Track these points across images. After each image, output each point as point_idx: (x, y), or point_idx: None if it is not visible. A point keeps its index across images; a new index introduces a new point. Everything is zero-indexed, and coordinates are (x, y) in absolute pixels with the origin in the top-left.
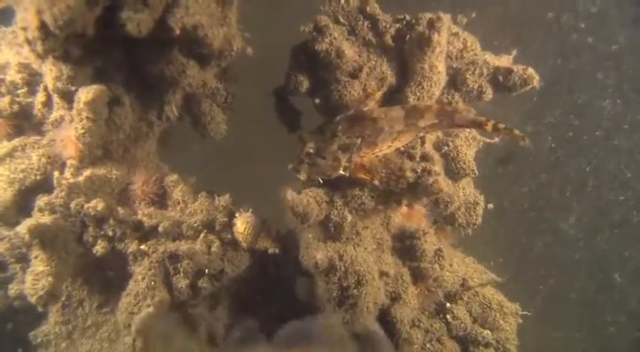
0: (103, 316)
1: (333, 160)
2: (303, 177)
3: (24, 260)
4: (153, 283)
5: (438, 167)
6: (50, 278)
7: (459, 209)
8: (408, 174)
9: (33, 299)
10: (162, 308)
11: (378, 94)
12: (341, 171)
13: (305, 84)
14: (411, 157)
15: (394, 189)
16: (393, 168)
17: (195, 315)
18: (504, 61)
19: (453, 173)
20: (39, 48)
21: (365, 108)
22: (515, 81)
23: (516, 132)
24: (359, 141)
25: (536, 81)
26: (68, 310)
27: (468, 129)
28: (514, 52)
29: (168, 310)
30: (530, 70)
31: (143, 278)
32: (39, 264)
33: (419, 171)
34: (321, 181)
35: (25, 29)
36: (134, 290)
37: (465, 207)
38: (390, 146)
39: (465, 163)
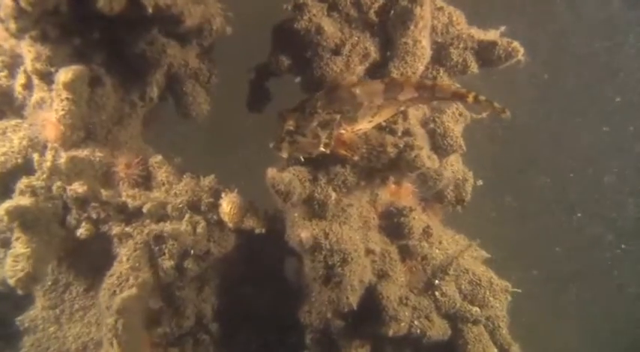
0: (90, 300)
1: (313, 137)
2: (284, 154)
3: (9, 244)
4: (137, 264)
5: (420, 141)
6: (30, 261)
7: (448, 186)
8: (390, 149)
9: (11, 282)
10: (145, 289)
11: (360, 68)
12: (321, 148)
13: (287, 62)
14: (393, 132)
15: (376, 164)
16: (374, 144)
17: (181, 297)
18: (491, 35)
19: (441, 149)
20: (12, 26)
21: (343, 82)
22: (500, 54)
23: (496, 104)
24: (338, 117)
25: (520, 54)
26: (55, 294)
27: (454, 105)
28: (502, 28)
29: (151, 291)
30: (515, 43)
31: (127, 259)
32: (19, 246)
33: (401, 146)
34: (302, 159)
35: None
36: (117, 271)
37: (453, 183)
38: (371, 121)
39: (452, 139)
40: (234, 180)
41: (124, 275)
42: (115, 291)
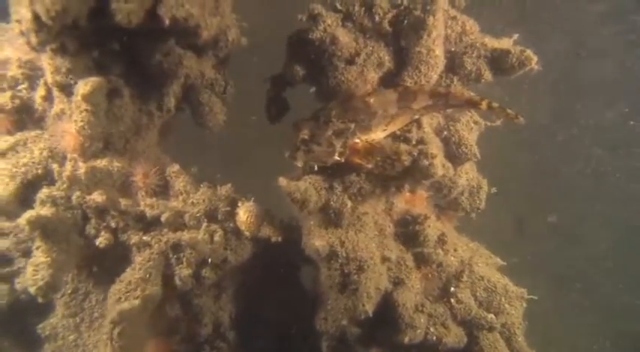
0: None
1: (328, 146)
2: (299, 163)
3: (30, 254)
4: (147, 276)
5: (434, 150)
6: (50, 270)
7: (463, 193)
8: (404, 157)
9: (32, 290)
10: (150, 302)
11: (374, 77)
12: (336, 157)
13: (302, 72)
14: (407, 141)
15: (390, 173)
16: (388, 152)
17: (199, 305)
18: (504, 43)
19: (455, 157)
20: (33, 40)
21: (358, 93)
22: (513, 62)
23: (509, 111)
24: (353, 125)
25: (534, 62)
26: (75, 303)
27: (468, 113)
28: (515, 36)
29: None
30: (528, 52)
31: (140, 269)
32: (40, 255)
33: (415, 154)
34: (316, 168)
35: (19, 22)
36: (127, 278)
37: (468, 191)
38: (385, 130)
39: (466, 147)
40: (248, 186)
41: (133, 284)
42: (120, 298)
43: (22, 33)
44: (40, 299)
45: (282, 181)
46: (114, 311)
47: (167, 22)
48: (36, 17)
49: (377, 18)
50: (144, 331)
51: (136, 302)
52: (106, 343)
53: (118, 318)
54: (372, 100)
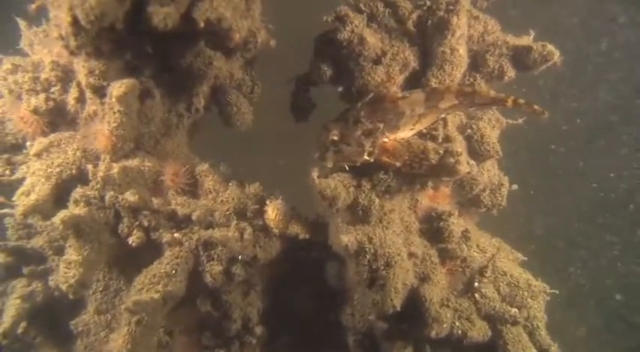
0: None
1: (358, 146)
2: (329, 164)
3: (62, 252)
4: (174, 271)
5: (460, 148)
6: (81, 268)
7: (484, 190)
8: (432, 155)
9: (64, 287)
10: (170, 299)
11: (400, 78)
12: (365, 157)
13: (328, 73)
14: (434, 139)
15: (418, 171)
16: (416, 151)
17: (229, 301)
18: (525, 40)
19: (478, 155)
20: (72, 44)
21: (385, 93)
22: (536, 58)
23: (535, 107)
24: (381, 125)
25: (556, 56)
26: (106, 299)
27: (490, 111)
28: (532, 32)
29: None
30: (550, 47)
31: (167, 263)
32: (72, 253)
33: (441, 152)
34: (347, 168)
35: (58, 26)
36: (152, 271)
37: (489, 188)
38: (412, 129)
39: (489, 145)
40: (273, 185)
41: (157, 278)
42: (142, 289)
43: (60, 37)
44: (71, 296)
45: (313, 178)
46: (130, 300)
47: (202, 24)
48: (75, 21)
49: (402, 19)
50: (159, 324)
51: (156, 295)
52: (123, 328)
53: (133, 308)
54: (400, 100)
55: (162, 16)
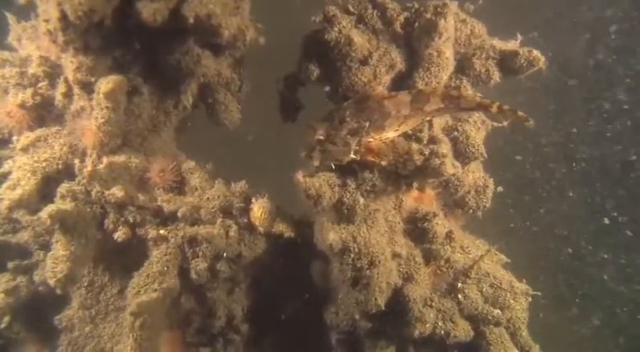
0: (124, 301)
1: (344, 145)
2: (316, 163)
3: (48, 247)
4: (166, 268)
5: (445, 149)
6: (69, 263)
7: (469, 192)
8: (416, 156)
9: (52, 282)
10: (169, 294)
11: (386, 78)
12: (352, 155)
13: (316, 72)
14: (419, 140)
15: (402, 171)
16: (400, 152)
17: (213, 298)
18: (511, 45)
19: (463, 157)
20: (60, 39)
21: (371, 92)
22: (522, 63)
23: (520, 113)
24: (367, 124)
25: (541, 62)
26: (91, 295)
27: (476, 114)
28: (519, 37)
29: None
30: (536, 52)
31: (158, 262)
32: (59, 249)
33: (426, 153)
34: (333, 167)
35: (46, 21)
36: (146, 272)
37: (474, 190)
38: (397, 130)
39: (474, 147)
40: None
41: (151, 278)
42: (139, 291)
43: (48, 32)
44: (58, 291)
45: (299, 178)
46: (133, 303)
47: (191, 20)
48: (64, 16)
49: (389, 20)
50: (162, 322)
51: (155, 294)
52: (128, 335)
53: (137, 310)
54: (385, 100)
55: (151, 11)
